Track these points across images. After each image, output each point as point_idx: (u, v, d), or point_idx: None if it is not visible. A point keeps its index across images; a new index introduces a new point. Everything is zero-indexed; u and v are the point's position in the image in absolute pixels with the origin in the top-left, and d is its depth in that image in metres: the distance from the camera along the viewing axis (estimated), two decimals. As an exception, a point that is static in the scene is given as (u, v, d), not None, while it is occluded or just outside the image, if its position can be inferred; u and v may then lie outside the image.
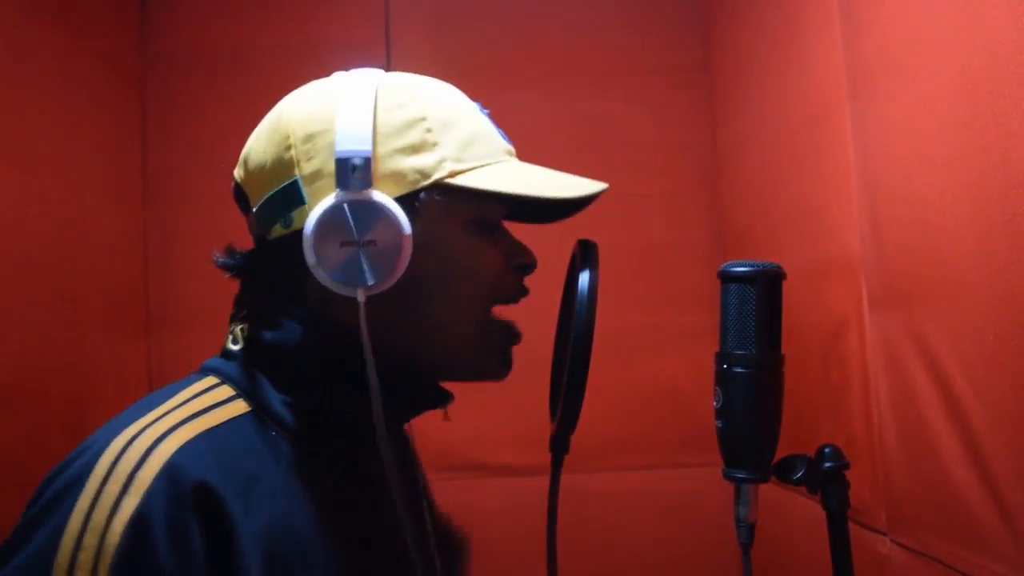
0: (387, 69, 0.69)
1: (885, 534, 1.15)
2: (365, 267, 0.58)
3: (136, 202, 1.86)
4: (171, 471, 0.52)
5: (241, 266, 0.67)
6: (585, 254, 0.65)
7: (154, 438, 0.54)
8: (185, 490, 0.52)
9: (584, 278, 0.63)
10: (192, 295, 1.78)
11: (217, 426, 0.57)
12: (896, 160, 1.07)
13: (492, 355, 0.68)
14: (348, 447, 0.64)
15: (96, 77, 1.72)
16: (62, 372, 1.50)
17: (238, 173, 0.68)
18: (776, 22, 1.51)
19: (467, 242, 0.65)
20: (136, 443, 0.53)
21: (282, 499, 0.57)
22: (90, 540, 0.50)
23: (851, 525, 0.71)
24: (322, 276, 0.58)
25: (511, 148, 0.70)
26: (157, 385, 1.87)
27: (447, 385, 0.70)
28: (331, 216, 0.58)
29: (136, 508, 0.50)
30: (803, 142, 1.40)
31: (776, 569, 1.53)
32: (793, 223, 1.46)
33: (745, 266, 0.70)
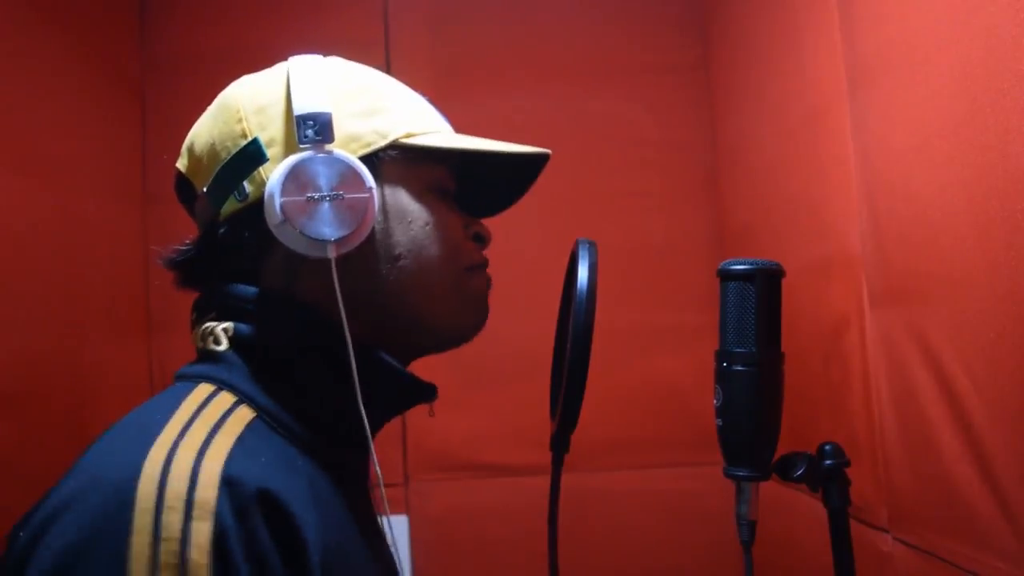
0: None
1: (887, 531, 1.15)
2: (334, 219, 0.57)
3: (137, 204, 1.86)
4: (230, 484, 0.48)
5: (191, 254, 0.65)
6: (584, 253, 0.65)
7: (193, 456, 0.49)
8: (250, 501, 0.48)
9: (583, 277, 0.63)
10: (193, 297, 1.78)
11: (241, 434, 0.54)
12: (896, 157, 1.07)
13: (467, 311, 0.68)
14: (343, 445, 0.63)
15: (96, 79, 1.72)
16: (63, 374, 1.50)
17: (181, 163, 0.67)
18: (775, 20, 1.51)
19: (428, 205, 0.65)
20: (176, 463, 0.49)
21: (315, 507, 0.54)
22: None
23: (852, 523, 0.71)
24: (289, 234, 0.57)
25: (451, 129, 0.71)
26: (159, 387, 1.87)
27: (433, 380, 0.69)
28: (295, 171, 0.57)
29: (211, 532, 0.46)
30: (803, 140, 1.40)
31: (778, 567, 1.53)
32: (793, 221, 1.45)
33: (744, 264, 0.70)
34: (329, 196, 0.57)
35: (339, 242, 0.57)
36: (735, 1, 1.75)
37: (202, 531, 0.46)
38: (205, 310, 0.64)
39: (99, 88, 1.73)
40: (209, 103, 0.68)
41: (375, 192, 0.59)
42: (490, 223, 0.72)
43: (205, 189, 0.63)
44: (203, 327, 0.62)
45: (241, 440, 0.53)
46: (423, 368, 0.70)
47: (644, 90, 1.95)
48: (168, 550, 0.45)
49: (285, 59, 0.66)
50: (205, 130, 0.65)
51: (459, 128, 0.71)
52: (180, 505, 0.46)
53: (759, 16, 1.60)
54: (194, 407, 0.55)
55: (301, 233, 0.57)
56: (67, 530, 0.46)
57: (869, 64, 1.13)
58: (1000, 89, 0.82)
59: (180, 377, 0.61)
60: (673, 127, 1.95)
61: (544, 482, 0.67)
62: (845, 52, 1.21)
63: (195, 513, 0.46)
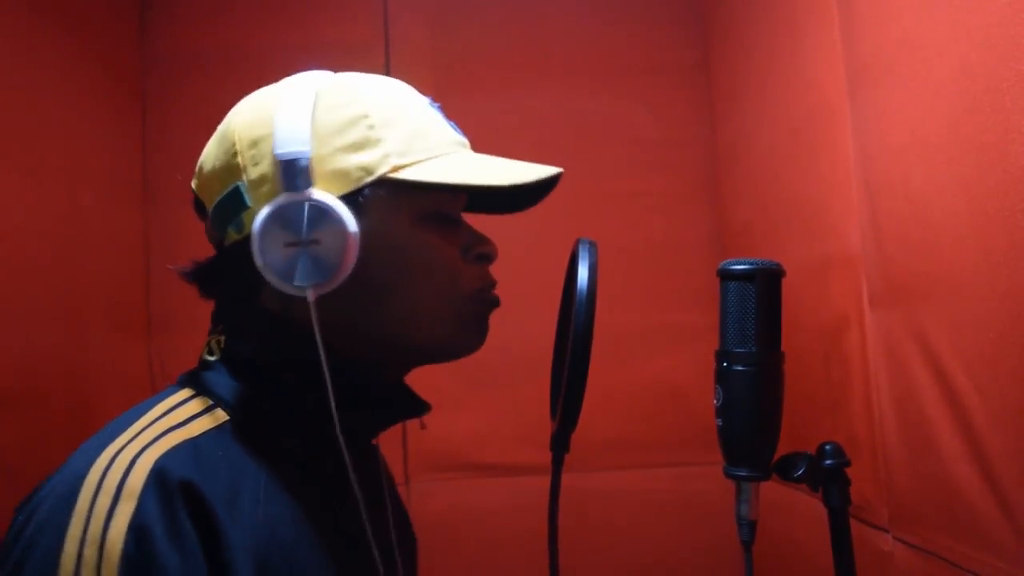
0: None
1: (887, 531, 1.15)
2: (311, 266, 0.59)
3: (137, 204, 1.86)
4: (159, 474, 0.53)
5: (201, 273, 0.68)
6: (584, 253, 0.65)
7: (136, 450, 0.54)
8: (174, 489, 0.52)
9: (583, 276, 0.63)
10: (193, 297, 1.78)
11: (195, 437, 0.57)
12: (895, 156, 1.07)
13: (462, 337, 0.67)
14: (320, 453, 0.64)
15: (96, 78, 1.72)
16: (64, 375, 1.50)
17: (194, 182, 0.69)
18: (775, 20, 1.51)
19: (418, 236, 0.64)
20: (120, 457, 0.54)
21: (264, 508, 0.57)
22: (90, 553, 0.49)
23: (853, 522, 0.71)
24: (271, 277, 0.59)
25: (464, 140, 0.69)
26: (159, 386, 1.87)
27: (425, 395, 0.69)
28: (274, 217, 0.59)
29: (132, 513, 0.51)
30: (803, 139, 1.40)
31: (778, 567, 1.53)
32: (793, 220, 1.46)
33: (744, 264, 0.70)
34: (305, 243, 0.58)
35: (317, 286, 0.59)
36: (735, 1, 1.75)
37: (124, 511, 0.51)
38: (216, 323, 0.67)
39: (99, 87, 1.73)
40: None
41: (355, 235, 0.59)
42: (489, 222, 0.72)
43: (209, 217, 0.66)
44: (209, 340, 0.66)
45: (192, 440, 0.56)
46: (421, 369, 0.70)
47: (644, 90, 1.95)
48: (95, 528, 0.50)
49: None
50: (211, 156, 0.66)
51: (461, 129, 0.71)
52: (112, 490, 0.52)
53: (759, 16, 1.60)
54: (165, 409, 0.59)
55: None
56: (27, 525, 0.52)
57: (869, 64, 1.13)
58: (1000, 89, 0.82)
59: (177, 381, 0.65)
60: (673, 126, 1.95)
61: (544, 482, 0.67)
62: (845, 52, 1.21)
63: (123, 496, 0.51)
